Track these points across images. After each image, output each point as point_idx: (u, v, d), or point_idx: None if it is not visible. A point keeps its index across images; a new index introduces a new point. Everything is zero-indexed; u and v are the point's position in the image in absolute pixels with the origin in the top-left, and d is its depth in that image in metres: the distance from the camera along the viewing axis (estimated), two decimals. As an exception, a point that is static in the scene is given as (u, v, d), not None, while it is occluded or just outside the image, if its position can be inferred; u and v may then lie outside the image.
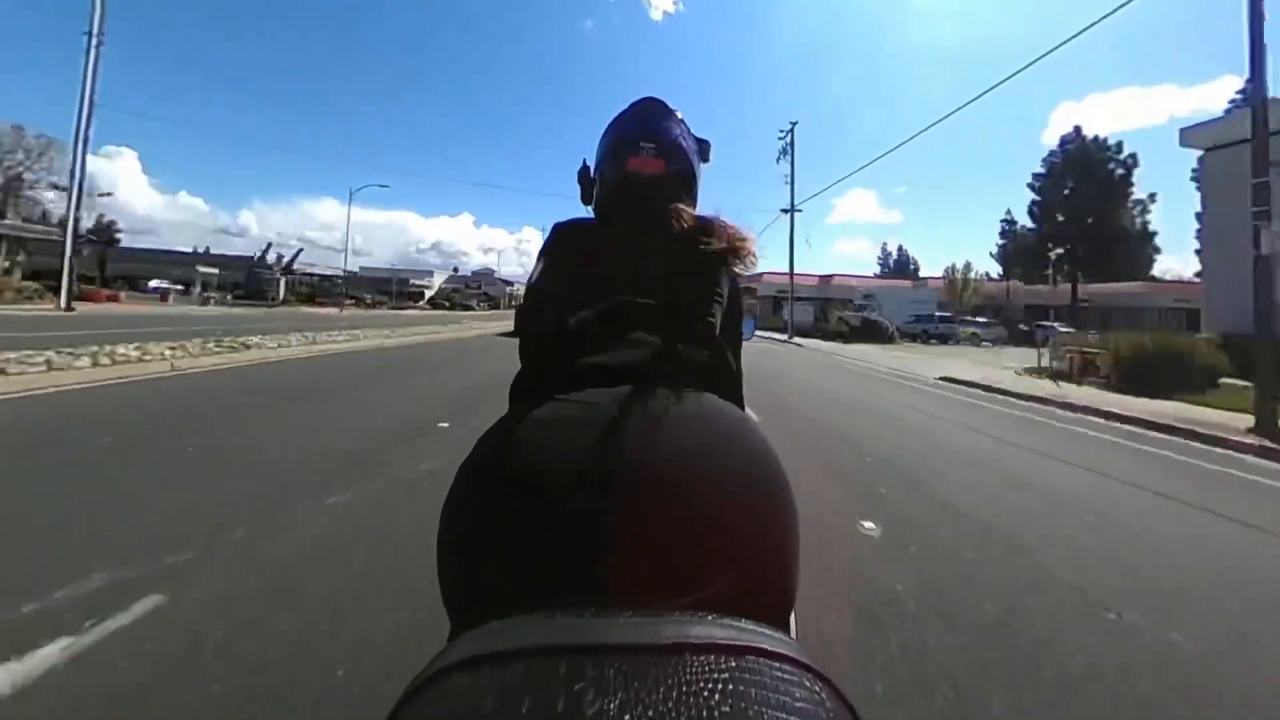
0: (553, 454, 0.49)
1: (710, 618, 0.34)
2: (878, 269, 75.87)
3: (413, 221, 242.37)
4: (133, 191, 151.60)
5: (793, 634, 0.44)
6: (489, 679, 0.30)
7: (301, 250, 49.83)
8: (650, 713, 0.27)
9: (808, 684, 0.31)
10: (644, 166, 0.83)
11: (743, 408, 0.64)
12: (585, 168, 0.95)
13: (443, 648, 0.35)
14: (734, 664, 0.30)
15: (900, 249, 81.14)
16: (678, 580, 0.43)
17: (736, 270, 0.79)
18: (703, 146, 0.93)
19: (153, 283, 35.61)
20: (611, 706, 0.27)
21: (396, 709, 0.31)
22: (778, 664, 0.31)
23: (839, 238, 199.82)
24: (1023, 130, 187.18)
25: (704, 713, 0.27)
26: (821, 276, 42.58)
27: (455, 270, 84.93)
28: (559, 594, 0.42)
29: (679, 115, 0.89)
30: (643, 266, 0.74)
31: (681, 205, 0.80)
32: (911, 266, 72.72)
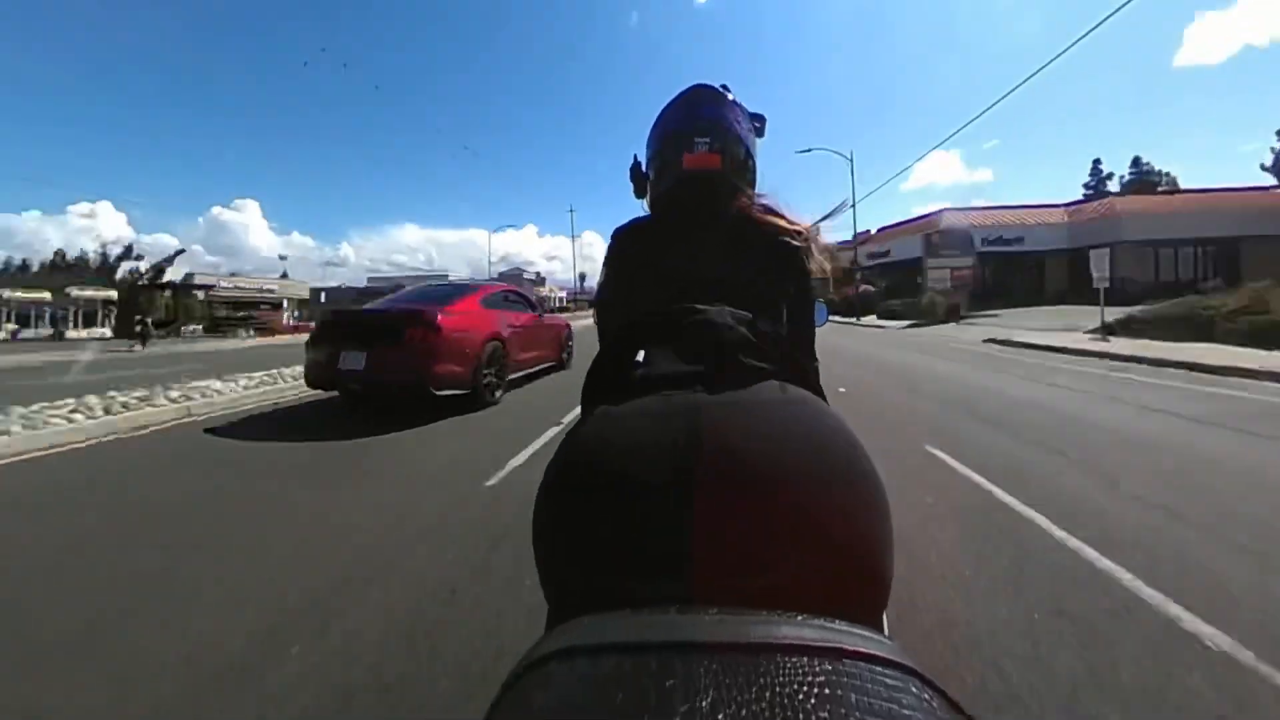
0: (632, 450, 0.49)
1: (800, 618, 0.33)
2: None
3: (481, 237, 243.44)
4: (258, 236, 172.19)
5: (885, 633, 0.42)
6: (584, 669, 0.31)
7: (180, 253, 36.70)
8: (743, 712, 0.26)
9: (915, 690, 0.29)
10: (700, 163, 0.82)
11: (822, 397, 0.62)
12: (637, 163, 0.94)
13: (539, 637, 0.36)
14: (829, 667, 0.29)
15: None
16: (762, 576, 0.43)
17: (805, 258, 0.78)
18: (757, 122, 0.90)
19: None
20: (703, 704, 0.27)
21: (502, 692, 0.33)
22: (879, 668, 0.30)
23: (914, 205, 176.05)
24: (1148, 54, 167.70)
25: (799, 715, 0.26)
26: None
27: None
28: (643, 586, 0.43)
29: (730, 96, 0.87)
30: (706, 262, 0.74)
31: (744, 197, 0.79)
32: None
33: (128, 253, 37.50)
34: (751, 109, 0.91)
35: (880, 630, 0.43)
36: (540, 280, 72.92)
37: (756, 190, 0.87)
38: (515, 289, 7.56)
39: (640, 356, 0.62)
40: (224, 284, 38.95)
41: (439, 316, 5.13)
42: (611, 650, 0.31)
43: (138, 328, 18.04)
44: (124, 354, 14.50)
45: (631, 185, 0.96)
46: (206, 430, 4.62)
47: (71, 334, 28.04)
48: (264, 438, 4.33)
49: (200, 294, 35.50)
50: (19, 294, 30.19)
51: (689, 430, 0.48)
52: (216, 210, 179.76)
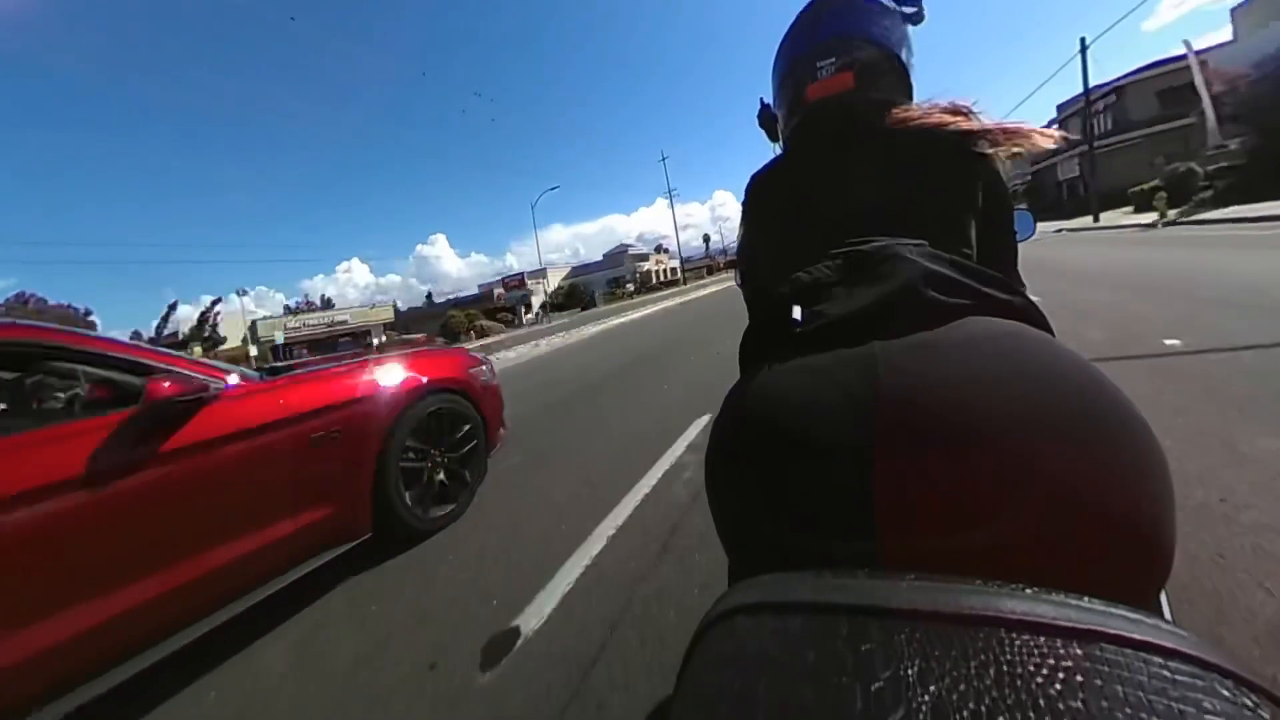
0: (802, 405, 0.45)
1: (1030, 590, 0.28)
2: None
3: (619, 222, 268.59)
4: (449, 261, 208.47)
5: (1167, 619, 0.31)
6: (771, 625, 0.30)
7: (219, 302, 39.84)
8: (964, 687, 0.24)
9: (1218, 688, 0.22)
10: (828, 89, 0.71)
11: (1047, 328, 0.51)
12: (764, 106, 0.87)
13: (723, 592, 0.36)
14: (1079, 651, 0.24)
15: None
16: (966, 538, 0.37)
17: (1001, 156, 0.64)
18: (909, 7, 0.75)
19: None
20: (909, 673, 0.25)
21: (694, 640, 0.33)
22: (1157, 657, 0.24)
23: (1160, 50, 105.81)
24: None
25: (1042, 703, 0.22)
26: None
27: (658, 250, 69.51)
28: (825, 547, 0.41)
29: None
30: (863, 191, 0.64)
31: (897, 109, 0.67)
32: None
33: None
34: None
35: (1157, 613, 0.36)
36: (660, 250, 68.88)
37: (916, 97, 0.73)
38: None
39: (797, 314, 0.54)
40: (290, 324, 39.02)
41: None
42: (798, 609, 0.30)
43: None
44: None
45: (764, 133, 0.89)
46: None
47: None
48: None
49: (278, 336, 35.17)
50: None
51: (865, 380, 0.43)
52: (419, 247, 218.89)
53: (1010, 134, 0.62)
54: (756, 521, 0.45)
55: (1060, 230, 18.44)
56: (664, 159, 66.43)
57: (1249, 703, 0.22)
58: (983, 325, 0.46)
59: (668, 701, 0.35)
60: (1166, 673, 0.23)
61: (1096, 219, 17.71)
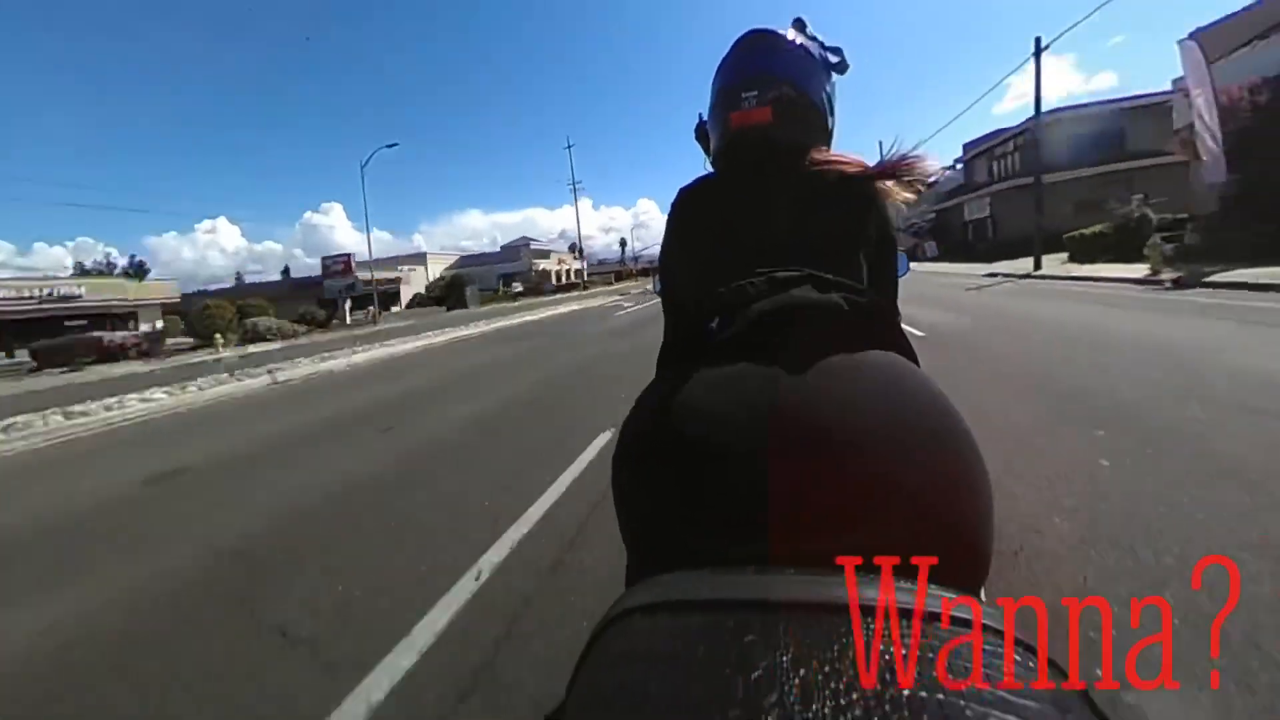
0: (708, 414, 0.49)
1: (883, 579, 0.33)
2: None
3: (542, 215, 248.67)
4: (344, 235, 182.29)
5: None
6: (665, 624, 0.32)
7: None
8: (826, 669, 0.27)
9: (1018, 659, 0.28)
10: (748, 119, 0.78)
11: (911, 355, 0.59)
12: (701, 122, 0.91)
13: (622, 593, 0.37)
14: (918, 629, 0.29)
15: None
16: (841, 539, 0.41)
17: (897, 198, 0.74)
18: (834, 57, 0.85)
19: None
20: (783, 660, 0.27)
21: (590, 641, 0.35)
22: (974, 632, 0.29)
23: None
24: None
25: (887, 676, 0.26)
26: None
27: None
28: (720, 548, 0.43)
29: (790, 35, 0.81)
30: (776, 220, 0.71)
31: (809, 147, 0.75)
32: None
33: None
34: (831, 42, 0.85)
35: (976, 597, 0.42)
36: (573, 250, 59.45)
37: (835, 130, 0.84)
38: None
39: (715, 324, 0.60)
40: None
41: None
42: (691, 607, 0.33)
43: None
44: None
45: (699, 146, 0.94)
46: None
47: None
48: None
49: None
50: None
51: (766, 395, 0.48)
52: (308, 215, 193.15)
53: (904, 163, 0.72)
54: (661, 521, 0.48)
55: (996, 275, 15.29)
56: (569, 145, 57.60)
57: (1017, 656, 0.28)
58: (870, 356, 0.52)
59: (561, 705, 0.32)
60: (984, 644, 0.28)
61: (1038, 265, 14.83)
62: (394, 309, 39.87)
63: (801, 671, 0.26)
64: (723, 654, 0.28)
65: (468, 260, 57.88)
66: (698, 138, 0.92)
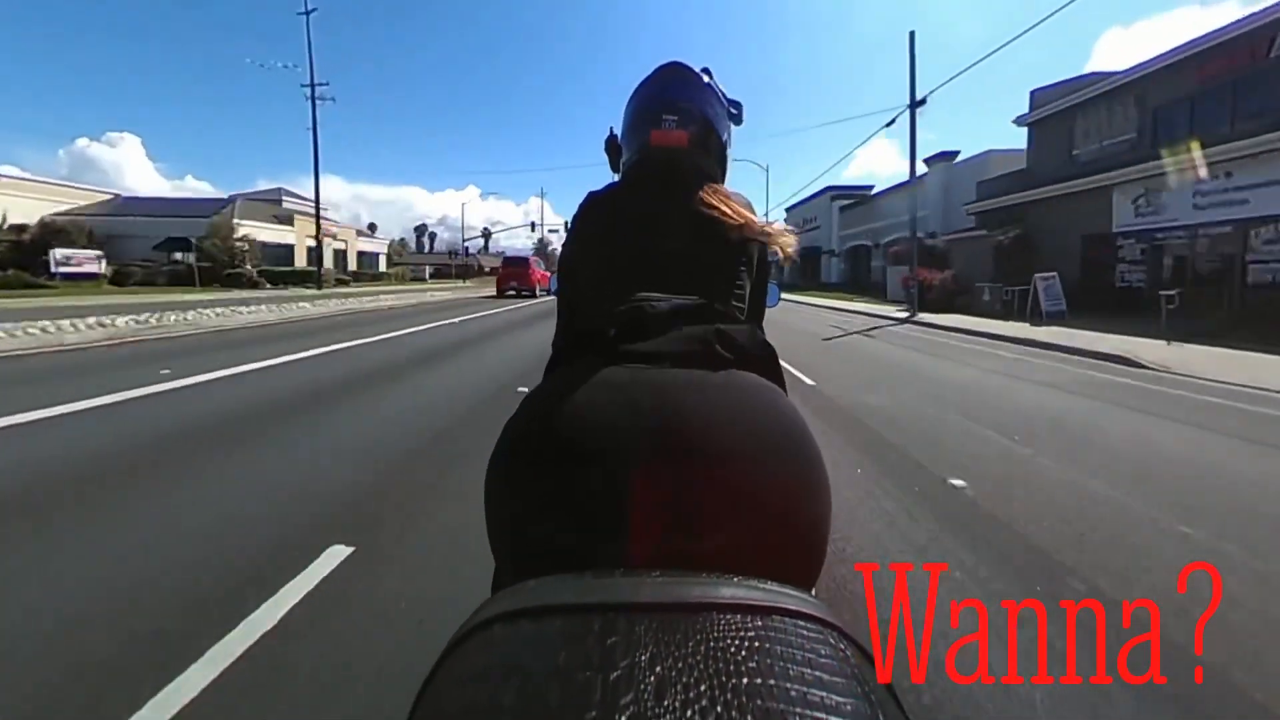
0: (584, 420, 0.51)
1: (736, 579, 0.36)
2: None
3: (419, 196, 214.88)
4: (139, 177, 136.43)
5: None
6: (528, 631, 0.32)
7: None
8: (680, 664, 0.28)
9: (832, 641, 0.32)
10: (666, 140, 0.83)
11: (779, 379, 0.65)
12: (612, 136, 0.95)
13: (484, 600, 0.36)
14: (759, 623, 0.32)
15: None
16: (699, 542, 0.46)
17: (766, 250, 0.84)
18: (734, 109, 0.93)
19: None
20: (642, 659, 0.29)
21: (445, 653, 0.33)
22: (803, 623, 0.33)
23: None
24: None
25: (730, 667, 0.28)
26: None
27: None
28: (585, 550, 0.45)
29: (707, 80, 0.89)
30: (670, 243, 0.75)
31: (709, 183, 0.81)
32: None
33: None
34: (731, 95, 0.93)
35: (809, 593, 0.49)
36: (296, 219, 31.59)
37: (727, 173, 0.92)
38: None
39: (605, 336, 0.63)
40: None
41: None
42: (555, 612, 0.33)
43: None
44: None
45: (608, 158, 0.97)
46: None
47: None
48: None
49: None
50: None
51: (643, 405, 0.51)
52: (83, 143, 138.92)
53: (771, 234, 0.82)
54: (531, 521, 0.49)
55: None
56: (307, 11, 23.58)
57: (842, 645, 0.32)
58: (737, 376, 0.58)
59: None
60: (806, 632, 0.32)
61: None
62: None
63: (658, 669, 0.28)
64: (585, 657, 0.29)
65: (131, 203, 30.87)
66: (607, 149, 0.96)
